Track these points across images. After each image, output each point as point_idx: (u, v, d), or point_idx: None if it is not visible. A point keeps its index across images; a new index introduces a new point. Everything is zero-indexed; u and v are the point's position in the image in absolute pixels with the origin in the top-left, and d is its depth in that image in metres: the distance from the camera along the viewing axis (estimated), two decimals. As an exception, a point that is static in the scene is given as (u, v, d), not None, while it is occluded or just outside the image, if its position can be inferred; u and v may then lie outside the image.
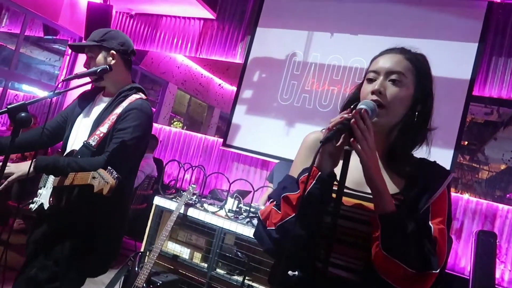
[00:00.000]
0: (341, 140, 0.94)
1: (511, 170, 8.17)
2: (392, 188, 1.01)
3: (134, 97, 1.76)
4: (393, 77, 1.02)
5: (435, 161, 1.09)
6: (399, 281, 0.92)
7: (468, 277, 3.35)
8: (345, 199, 0.99)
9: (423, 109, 1.05)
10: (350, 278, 1.00)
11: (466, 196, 3.84)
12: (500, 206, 3.63)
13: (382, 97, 1.01)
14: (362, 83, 1.10)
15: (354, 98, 1.10)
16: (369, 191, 0.97)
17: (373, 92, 1.01)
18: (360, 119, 0.91)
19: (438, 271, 0.92)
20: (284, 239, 0.98)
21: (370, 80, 1.05)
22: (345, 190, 0.96)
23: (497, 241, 3.32)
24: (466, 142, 8.29)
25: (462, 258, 3.65)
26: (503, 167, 8.69)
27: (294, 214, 0.97)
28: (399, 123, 1.05)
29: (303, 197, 0.94)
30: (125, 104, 1.72)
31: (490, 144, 7.37)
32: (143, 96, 1.81)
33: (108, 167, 1.48)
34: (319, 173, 0.96)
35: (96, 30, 1.83)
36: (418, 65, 1.06)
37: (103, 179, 1.45)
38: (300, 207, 0.95)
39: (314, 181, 0.95)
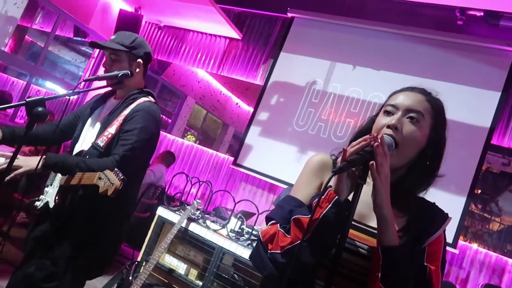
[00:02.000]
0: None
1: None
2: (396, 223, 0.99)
3: (142, 99, 1.77)
4: (412, 115, 1.01)
5: (434, 203, 1.08)
6: None
7: (470, 331, 3.22)
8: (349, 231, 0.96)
9: (434, 154, 1.04)
10: None
11: (475, 246, 3.72)
12: (510, 260, 3.51)
13: (397, 133, 0.99)
14: (376, 115, 1.09)
15: (366, 130, 1.09)
16: (372, 225, 0.95)
17: (389, 126, 1.00)
18: (383, 144, 0.90)
19: None
20: (291, 264, 0.92)
21: (388, 113, 1.04)
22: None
23: (503, 297, 3.20)
24: (480, 191, 8.13)
25: (465, 310, 3.51)
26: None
27: (304, 239, 0.90)
28: (407, 164, 1.04)
29: (317, 221, 0.90)
30: (133, 105, 1.73)
31: (504, 195, 7.21)
32: (151, 99, 1.82)
33: (115, 169, 1.47)
34: (336, 197, 0.92)
35: (121, 32, 1.84)
36: (437, 109, 1.06)
37: (109, 180, 1.44)
38: (313, 231, 0.90)
39: (330, 205, 0.91)
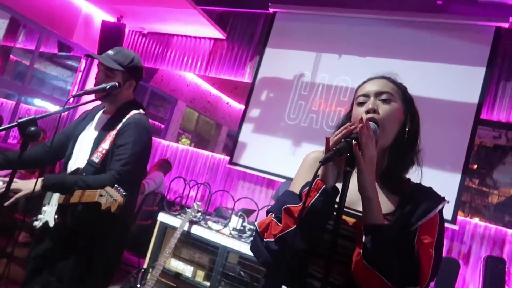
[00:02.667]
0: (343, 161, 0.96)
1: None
2: (386, 207, 1.03)
3: (133, 112, 1.80)
4: (383, 96, 1.08)
5: (430, 187, 1.12)
6: None
7: (476, 304, 3.28)
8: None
9: (412, 128, 1.10)
10: None
11: (474, 220, 3.79)
12: (510, 231, 3.57)
13: (376, 115, 1.05)
14: (350, 111, 1.16)
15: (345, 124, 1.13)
16: (361, 210, 0.98)
17: (368, 111, 1.06)
18: (368, 126, 0.96)
19: (418, 287, 0.93)
20: (284, 251, 0.98)
21: (361, 104, 1.10)
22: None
23: (506, 267, 3.25)
24: (476, 166, 8.21)
25: (470, 284, 3.57)
26: (512, 192, 8.56)
27: (295, 226, 0.97)
28: (392, 143, 1.09)
29: (306, 209, 0.95)
30: (124, 119, 1.76)
31: (498, 168, 7.29)
32: (141, 111, 1.85)
33: (116, 185, 1.50)
34: (324, 186, 0.97)
35: (120, 48, 1.86)
36: (402, 88, 1.14)
37: (111, 197, 1.47)
38: (302, 219, 0.95)
39: (318, 194, 0.96)
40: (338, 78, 4.35)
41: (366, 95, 1.10)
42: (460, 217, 3.79)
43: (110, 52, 1.81)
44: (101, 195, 1.50)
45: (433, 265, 0.98)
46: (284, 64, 4.65)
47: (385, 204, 1.04)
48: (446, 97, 3.81)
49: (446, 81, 3.82)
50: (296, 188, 1.10)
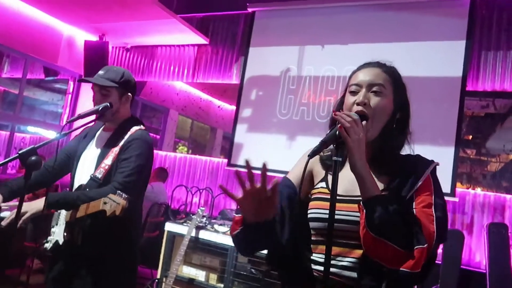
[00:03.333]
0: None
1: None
2: (379, 185, 1.07)
3: (134, 128, 1.86)
4: (375, 88, 1.11)
5: (418, 155, 1.16)
6: (391, 261, 0.96)
7: (485, 271, 3.35)
8: (338, 205, 1.04)
9: (402, 116, 1.14)
10: (347, 275, 1.06)
11: (478, 190, 3.86)
12: (508, 196, 3.65)
13: (367, 108, 1.09)
14: (343, 96, 1.19)
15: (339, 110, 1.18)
16: (359, 194, 1.02)
17: (358, 104, 1.10)
18: (344, 114, 1.02)
19: (426, 245, 0.95)
20: (239, 248, 1.11)
21: (353, 93, 1.14)
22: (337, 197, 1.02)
23: (508, 231, 3.33)
24: (471, 137, 8.30)
25: (476, 252, 3.65)
26: (511, 157, 8.67)
27: (237, 231, 1.07)
28: (381, 132, 1.13)
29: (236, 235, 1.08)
30: (126, 136, 1.81)
31: (492, 136, 7.37)
32: (142, 127, 1.91)
33: (118, 191, 1.56)
34: (243, 221, 1.05)
35: (108, 67, 1.92)
36: (394, 76, 1.16)
37: (114, 201, 1.52)
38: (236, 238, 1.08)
39: (239, 230, 1.06)
40: (324, 69, 4.41)
41: (359, 85, 1.13)
42: (460, 189, 3.87)
43: (100, 72, 1.87)
44: (105, 203, 1.55)
45: (437, 224, 1.00)
46: (270, 61, 4.71)
47: (378, 185, 1.06)
48: (431, 73, 3.87)
49: (430, 58, 3.88)
50: (290, 174, 1.22)
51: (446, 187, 3.60)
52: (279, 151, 4.42)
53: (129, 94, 1.90)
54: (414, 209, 1.03)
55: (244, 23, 5.00)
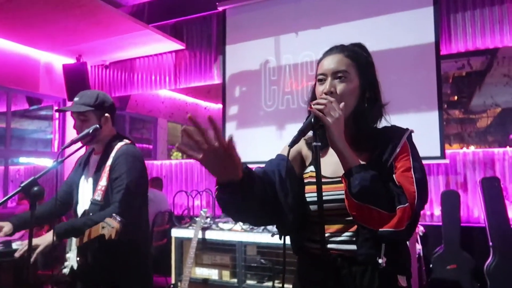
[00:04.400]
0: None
1: (502, 115, 8.34)
2: (362, 162, 1.14)
3: (119, 145, 1.92)
4: (339, 75, 1.19)
5: (394, 125, 1.23)
6: (377, 224, 1.04)
7: (484, 225, 3.48)
8: (326, 187, 1.12)
9: (371, 95, 1.22)
10: (346, 248, 1.14)
11: (461, 151, 3.97)
12: (496, 150, 3.77)
13: (334, 96, 1.17)
14: (315, 84, 1.26)
15: (313, 99, 1.26)
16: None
17: (325, 93, 1.18)
18: (319, 100, 1.11)
19: (407, 204, 1.03)
20: (225, 211, 1.11)
21: (321, 81, 1.22)
22: (323, 180, 1.10)
23: (501, 183, 3.45)
24: (456, 97, 8.42)
25: (473, 208, 3.77)
26: (498, 110, 8.81)
27: (216, 189, 1.07)
28: (353, 112, 1.20)
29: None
30: (113, 154, 1.87)
31: (480, 92, 7.48)
32: (127, 141, 1.96)
33: (113, 214, 1.63)
34: (217, 186, 1.05)
35: (82, 92, 1.96)
36: (357, 58, 1.22)
37: (110, 225, 1.59)
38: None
39: (217, 192, 1.06)
40: (302, 55, 4.48)
41: (324, 74, 1.21)
42: (449, 150, 3.98)
43: (75, 99, 1.93)
44: (103, 227, 1.62)
45: (417, 184, 1.07)
46: (248, 56, 4.77)
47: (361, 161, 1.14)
48: (405, 44, 3.96)
49: (400, 29, 3.97)
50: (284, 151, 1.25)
51: (435, 150, 3.70)
52: (270, 142, 4.50)
53: (107, 114, 1.94)
54: (395, 175, 1.11)
55: (217, 22, 5.05)
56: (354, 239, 1.13)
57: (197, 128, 0.91)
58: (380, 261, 1.08)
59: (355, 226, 1.13)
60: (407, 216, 1.03)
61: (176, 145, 0.90)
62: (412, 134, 1.20)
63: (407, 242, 1.21)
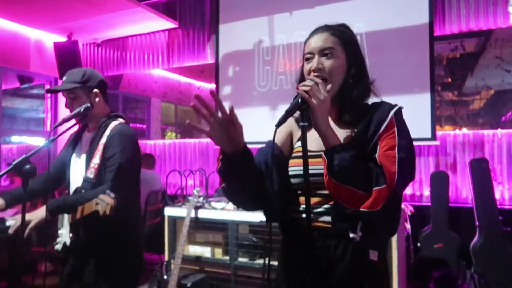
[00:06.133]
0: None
1: (494, 97, 8.38)
2: (349, 137, 1.17)
3: (113, 123, 1.91)
4: (326, 52, 1.21)
5: (382, 101, 1.24)
6: (352, 203, 1.07)
7: (472, 205, 3.55)
8: (312, 160, 1.13)
9: (356, 70, 1.23)
10: (323, 220, 1.17)
11: (452, 132, 4.02)
12: (486, 132, 3.82)
13: (322, 72, 1.19)
14: (302, 66, 1.28)
15: (302, 79, 1.27)
16: None
17: (314, 70, 1.20)
18: (306, 82, 1.12)
19: (384, 186, 1.05)
20: (226, 185, 1.15)
21: (308, 60, 1.24)
22: (310, 154, 1.13)
23: (489, 165, 3.51)
24: (450, 79, 8.43)
25: (462, 189, 3.84)
26: (491, 93, 8.85)
27: (220, 161, 1.12)
28: (340, 89, 1.21)
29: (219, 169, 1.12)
30: (107, 132, 1.87)
31: (475, 74, 7.50)
32: (122, 120, 1.96)
33: (107, 191, 1.65)
34: (220, 156, 1.10)
35: (70, 70, 1.95)
36: (343, 36, 1.24)
37: (104, 202, 1.61)
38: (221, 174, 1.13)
39: (220, 162, 1.11)
40: (295, 35, 4.45)
41: (311, 53, 1.23)
42: (440, 132, 4.03)
43: (64, 78, 1.92)
44: (97, 204, 1.63)
45: (399, 164, 1.07)
46: (241, 35, 4.73)
47: (346, 139, 1.17)
48: (399, 24, 3.94)
49: (394, 10, 3.94)
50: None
51: (426, 132, 3.75)
52: (264, 123, 4.51)
53: (96, 90, 1.91)
54: (377, 154, 1.11)
55: (210, 1, 4.98)
56: (331, 211, 1.16)
57: (203, 104, 1.01)
58: (352, 235, 1.10)
59: (333, 201, 1.15)
60: (383, 197, 1.05)
61: (187, 121, 1.02)
62: (402, 110, 1.20)
63: (393, 219, 1.19)
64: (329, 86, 1.15)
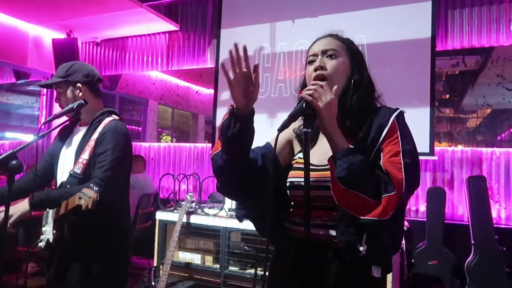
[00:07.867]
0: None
1: (492, 115, 8.41)
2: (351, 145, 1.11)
3: (107, 120, 1.86)
4: (329, 53, 1.19)
5: (383, 106, 1.21)
6: (361, 211, 1.00)
7: (468, 223, 3.51)
8: (313, 173, 1.09)
9: (359, 77, 1.19)
10: (327, 234, 1.12)
11: (450, 148, 3.99)
12: (484, 150, 3.79)
13: (324, 70, 1.16)
14: (305, 73, 1.25)
15: (304, 85, 1.23)
16: None
17: (316, 69, 1.16)
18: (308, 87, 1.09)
19: (393, 193, 1.00)
20: (216, 166, 1.18)
21: (311, 62, 1.21)
22: (311, 167, 1.07)
23: (487, 183, 3.47)
24: (448, 96, 8.45)
25: (458, 206, 3.80)
26: (488, 111, 8.88)
27: (221, 148, 1.14)
28: (341, 95, 1.16)
29: (220, 129, 1.12)
30: (100, 128, 1.81)
31: (473, 92, 7.52)
32: (116, 117, 1.91)
33: (90, 184, 1.58)
34: (231, 107, 1.11)
35: (61, 64, 1.91)
36: (347, 42, 1.23)
37: (87, 196, 1.55)
38: (221, 136, 1.13)
39: (227, 116, 1.12)
40: (297, 43, 4.43)
41: (314, 55, 1.20)
42: (438, 147, 3.99)
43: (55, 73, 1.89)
44: (79, 198, 1.57)
45: (405, 170, 1.03)
46: (242, 41, 4.55)
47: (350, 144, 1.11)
48: (401, 37, 3.93)
49: (397, 23, 3.93)
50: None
51: (424, 147, 3.70)
52: (261, 130, 4.39)
53: (79, 84, 1.84)
54: (382, 160, 1.07)
55: (213, 5, 4.95)
56: (333, 225, 1.10)
57: (238, 53, 1.08)
58: (361, 248, 1.04)
59: (334, 213, 1.10)
60: (393, 205, 1.00)
61: (221, 62, 1.05)
62: (405, 114, 1.16)
63: (398, 232, 1.14)
64: (335, 87, 1.10)
